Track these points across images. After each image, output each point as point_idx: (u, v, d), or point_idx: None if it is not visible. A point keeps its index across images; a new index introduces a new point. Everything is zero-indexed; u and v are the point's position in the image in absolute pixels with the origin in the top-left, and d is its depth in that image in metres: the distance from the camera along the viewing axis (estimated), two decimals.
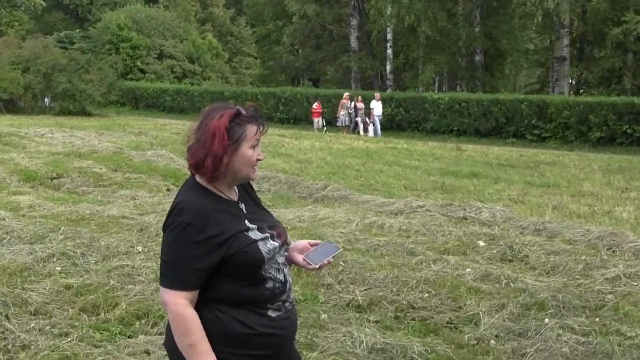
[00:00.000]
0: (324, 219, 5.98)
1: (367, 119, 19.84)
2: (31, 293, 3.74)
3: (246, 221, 1.65)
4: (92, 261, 4.45)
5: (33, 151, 11.02)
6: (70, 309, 3.61)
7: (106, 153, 10.73)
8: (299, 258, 1.78)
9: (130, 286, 3.93)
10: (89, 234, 4.95)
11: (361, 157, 12.17)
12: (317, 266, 1.76)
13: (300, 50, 34.93)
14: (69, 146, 11.86)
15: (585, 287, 4.19)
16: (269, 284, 1.64)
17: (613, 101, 17.33)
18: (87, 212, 6.04)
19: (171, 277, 1.57)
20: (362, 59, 30.66)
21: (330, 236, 5.11)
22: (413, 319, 3.70)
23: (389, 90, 26.38)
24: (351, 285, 4.13)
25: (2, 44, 25.49)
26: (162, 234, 1.65)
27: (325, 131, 19.74)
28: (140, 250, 4.65)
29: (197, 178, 1.66)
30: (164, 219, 1.66)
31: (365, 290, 4.06)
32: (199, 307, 1.59)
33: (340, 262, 4.42)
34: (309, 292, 4.02)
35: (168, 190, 7.76)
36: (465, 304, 3.86)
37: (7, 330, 3.24)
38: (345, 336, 3.30)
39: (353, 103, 20.29)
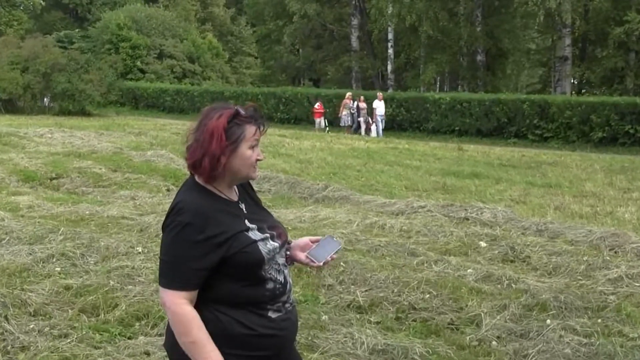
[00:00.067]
0: (324, 220, 5.97)
1: (370, 119, 19.82)
2: (30, 294, 3.73)
3: (246, 221, 1.65)
4: (92, 262, 4.44)
5: (32, 151, 11.01)
6: (69, 310, 3.60)
7: (106, 153, 10.72)
8: (302, 256, 1.78)
9: (130, 287, 3.92)
10: (88, 235, 4.94)
11: (362, 158, 12.16)
12: (321, 263, 1.75)
13: (300, 50, 34.92)
14: (69, 146, 11.86)
15: (587, 288, 4.18)
16: (269, 285, 1.64)
17: (615, 101, 17.30)
18: (87, 212, 6.03)
19: (170, 277, 1.57)
20: (363, 59, 30.64)
21: None
22: (414, 320, 3.69)
23: (390, 90, 26.35)
24: (352, 286, 4.12)
25: (1, 43, 25.47)
26: (162, 234, 1.65)
27: (328, 131, 19.73)
28: (140, 250, 4.64)
29: (197, 178, 1.66)
30: (163, 219, 1.65)
31: (366, 291, 4.05)
32: (199, 307, 1.59)
33: (341, 263, 4.41)
34: (309, 293, 4.01)
35: (168, 190, 7.75)
36: (466, 305, 3.85)
37: (6, 331, 3.23)
38: (346, 337, 3.29)
39: (356, 103, 20.25)
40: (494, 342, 3.38)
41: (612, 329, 3.51)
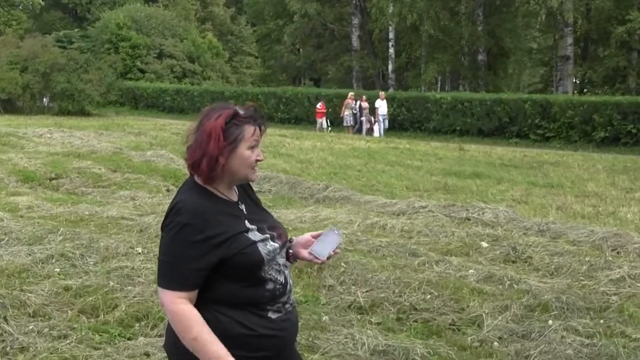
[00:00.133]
0: (325, 220, 5.95)
1: (372, 119, 19.79)
2: (30, 295, 3.72)
3: (246, 222, 1.64)
4: (91, 262, 4.43)
5: (32, 151, 11.00)
6: (69, 311, 3.59)
7: (105, 153, 10.71)
8: (305, 253, 1.78)
9: (129, 288, 3.91)
10: (88, 235, 4.93)
11: (363, 157, 12.14)
12: (325, 259, 1.75)
13: (301, 50, 34.90)
14: (68, 146, 11.85)
15: (589, 289, 4.16)
16: (269, 285, 1.63)
17: (617, 101, 17.28)
18: (86, 213, 6.02)
19: (169, 277, 1.56)
20: (363, 58, 30.62)
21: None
22: (415, 321, 3.68)
23: (391, 90, 26.31)
24: (353, 287, 4.11)
25: (0, 43, 25.46)
26: (161, 234, 1.64)
27: (330, 131, 19.71)
28: (139, 251, 4.63)
29: (196, 178, 1.65)
30: (163, 219, 1.64)
31: (367, 291, 4.03)
32: (199, 308, 1.58)
33: (342, 264, 4.39)
34: (310, 294, 4.00)
35: (168, 190, 7.74)
36: (468, 306, 3.84)
37: (5, 332, 3.22)
38: (346, 338, 3.28)
39: (358, 103, 20.21)
40: (495, 343, 3.36)
41: (615, 329, 3.50)
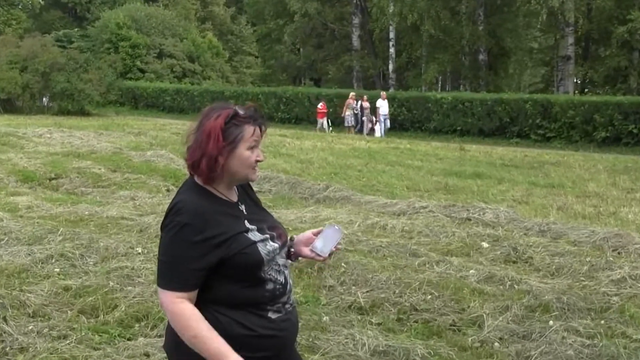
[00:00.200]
0: (325, 220, 5.94)
1: (374, 118, 19.77)
2: (29, 295, 3.71)
3: (246, 222, 1.64)
4: (91, 262, 4.42)
5: (31, 151, 10.99)
6: (68, 311, 3.58)
7: (105, 153, 10.70)
8: (307, 251, 1.77)
9: (129, 288, 3.90)
10: (87, 235, 4.92)
11: (363, 158, 12.13)
12: (327, 255, 1.75)
13: (301, 49, 34.87)
14: (68, 146, 11.83)
15: (590, 289, 4.15)
16: (269, 286, 1.63)
17: (619, 100, 17.25)
18: (86, 213, 6.01)
19: (168, 277, 1.56)
20: (364, 58, 30.60)
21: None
22: (416, 321, 3.68)
23: (391, 90, 26.29)
24: (353, 287, 4.10)
25: None
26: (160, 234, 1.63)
27: (331, 131, 19.69)
28: (139, 251, 4.62)
29: (196, 178, 1.65)
30: (162, 219, 1.64)
31: (367, 292, 4.03)
32: (199, 308, 1.58)
33: (342, 264, 4.39)
34: (310, 294, 3.99)
35: (168, 190, 7.73)
36: (468, 306, 3.83)
37: (5, 332, 3.21)
38: (347, 338, 3.27)
39: (359, 103, 20.17)
40: (496, 344, 3.36)
41: (616, 330, 3.49)
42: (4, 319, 3.33)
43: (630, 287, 4.17)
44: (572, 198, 8.11)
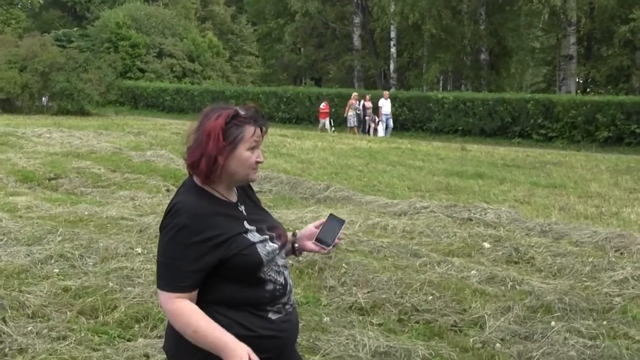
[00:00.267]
0: None
1: (377, 118, 19.74)
2: (28, 295, 3.70)
3: (245, 223, 1.63)
4: (91, 263, 4.41)
5: (30, 151, 10.97)
6: (68, 312, 3.57)
7: (105, 153, 10.69)
8: (311, 245, 1.78)
9: (129, 288, 3.89)
10: (87, 236, 4.91)
11: (364, 158, 12.11)
12: (331, 247, 1.76)
13: (302, 49, 34.86)
14: (67, 146, 11.81)
15: (592, 290, 4.14)
16: (269, 286, 1.62)
17: (621, 100, 17.20)
18: (86, 213, 6.00)
19: (167, 278, 1.56)
20: (365, 58, 30.57)
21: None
22: (417, 322, 3.66)
23: (392, 90, 26.25)
24: (354, 288, 4.09)
25: None
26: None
27: (333, 131, 19.66)
28: (139, 251, 4.61)
29: (195, 179, 1.64)
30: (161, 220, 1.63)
31: (368, 292, 4.01)
32: None
33: (343, 264, 4.37)
34: (311, 295, 3.98)
35: (168, 191, 7.71)
36: (470, 307, 3.82)
37: (4, 333, 3.20)
38: (348, 339, 3.26)
39: (362, 103, 20.14)
40: (497, 345, 3.34)
41: (618, 331, 3.48)
42: (3, 319, 3.32)
43: (632, 287, 4.16)
44: (574, 198, 8.09)
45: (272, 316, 1.62)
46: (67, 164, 9.37)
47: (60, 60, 23.94)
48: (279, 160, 10.98)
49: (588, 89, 26.77)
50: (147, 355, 3.05)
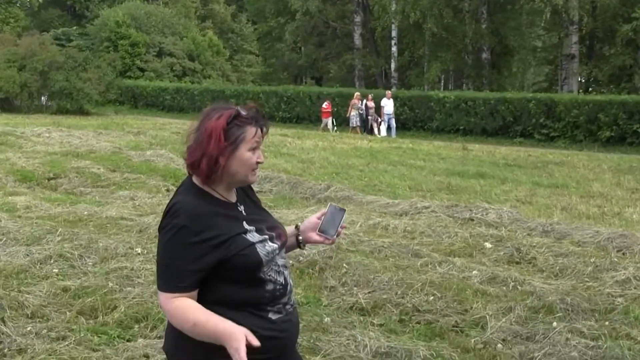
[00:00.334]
0: None
1: (379, 118, 19.72)
2: (28, 296, 3.70)
3: (244, 223, 1.63)
4: (90, 263, 4.41)
5: (30, 151, 10.96)
6: (67, 312, 3.57)
7: (104, 153, 10.68)
8: (315, 236, 1.79)
9: (129, 289, 3.89)
10: (86, 236, 4.90)
11: (365, 157, 12.10)
12: (335, 237, 1.77)
13: (302, 48, 34.84)
14: (67, 146, 11.80)
15: (594, 290, 4.13)
16: (269, 286, 1.62)
17: (623, 100, 17.16)
18: (85, 213, 6.00)
19: (167, 279, 1.55)
20: (366, 57, 30.53)
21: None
22: (418, 322, 3.66)
23: (393, 89, 26.22)
24: (355, 288, 4.07)
25: None
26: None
27: (335, 130, 19.64)
28: (139, 251, 4.60)
29: (194, 179, 1.63)
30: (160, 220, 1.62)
31: (369, 292, 4.00)
32: None
33: (344, 264, 4.36)
34: (311, 295, 3.97)
35: (167, 190, 7.70)
36: (471, 307, 3.81)
37: (3, 333, 3.20)
38: (348, 340, 3.26)
39: (364, 102, 20.11)
40: (499, 345, 3.33)
41: (620, 331, 3.47)
42: (2, 320, 3.32)
43: (635, 288, 4.14)
44: (576, 198, 8.07)
45: (273, 316, 1.62)
46: (67, 163, 9.36)
47: (60, 60, 23.88)
48: (279, 160, 10.96)
49: (590, 89, 26.69)
50: (146, 356, 3.04)
